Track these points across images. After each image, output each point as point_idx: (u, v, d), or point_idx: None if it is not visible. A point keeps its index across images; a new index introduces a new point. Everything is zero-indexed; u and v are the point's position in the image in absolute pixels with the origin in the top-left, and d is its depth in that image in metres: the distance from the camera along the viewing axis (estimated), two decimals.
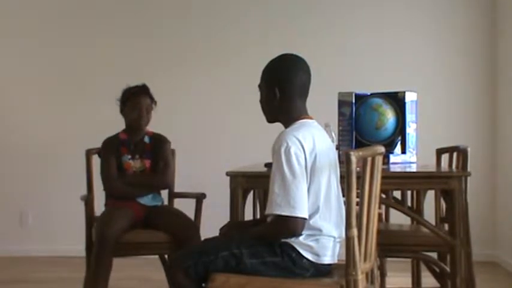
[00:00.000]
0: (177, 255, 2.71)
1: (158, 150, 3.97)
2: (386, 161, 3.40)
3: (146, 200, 3.90)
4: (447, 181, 3.11)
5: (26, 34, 5.99)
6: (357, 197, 2.28)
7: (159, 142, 4.00)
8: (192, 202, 4.04)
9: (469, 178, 3.35)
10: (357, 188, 2.25)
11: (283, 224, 2.40)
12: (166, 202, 4.13)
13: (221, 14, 5.92)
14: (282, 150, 2.40)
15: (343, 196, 2.40)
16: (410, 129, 3.60)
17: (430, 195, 3.90)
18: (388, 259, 4.19)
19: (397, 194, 3.94)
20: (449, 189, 3.12)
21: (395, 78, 5.53)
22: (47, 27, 6.00)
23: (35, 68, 6.00)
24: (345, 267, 2.26)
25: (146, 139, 3.99)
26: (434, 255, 3.65)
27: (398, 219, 4.02)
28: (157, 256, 4.00)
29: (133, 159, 3.92)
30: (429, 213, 3.81)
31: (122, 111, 3.95)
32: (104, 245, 3.55)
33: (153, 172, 3.94)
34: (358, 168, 2.22)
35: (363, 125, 3.54)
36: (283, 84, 2.54)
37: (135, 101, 3.89)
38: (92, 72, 5.94)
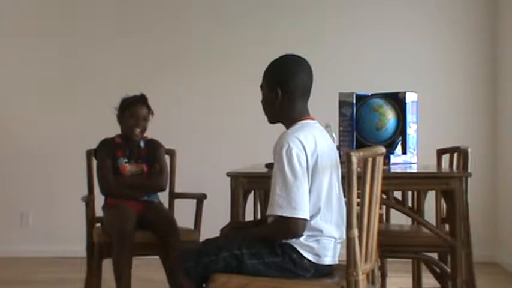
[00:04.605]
0: (177, 255, 2.70)
1: (154, 155, 4.00)
2: (387, 161, 3.40)
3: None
4: (448, 182, 3.11)
5: (26, 34, 5.99)
6: (358, 197, 2.28)
7: (154, 147, 4.03)
8: (192, 202, 4.04)
9: (469, 179, 3.35)
10: (358, 189, 2.25)
11: (284, 225, 2.40)
12: (166, 203, 4.13)
13: (222, 14, 5.92)
14: (284, 151, 2.40)
15: (344, 197, 2.40)
16: (411, 130, 3.60)
17: (431, 195, 3.90)
18: (389, 260, 4.19)
19: (398, 194, 3.93)
20: (450, 190, 3.12)
21: (396, 78, 5.53)
22: (47, 27, 6.00)
23: (35, 68, 5.99)
24: (346, 268, 2.26)
25: (142, 144, 4.02)
26: (435, 255, 3.65)
27: (399, 219, 4.02)
28: (157, 256, 4.00)
29: (130, 163, 3.93)
30: (430, 213, 3.81)
31: (119, 119, 3.97)
32: (124, 242, 3.56)
33: (149, 175, 3.95)
34: (359, 169, 2.22)
35: (363, 126, 3.54)
36: (284, 84, 2.54)
37: (133, 110, 3.92)
38: (92, 72, 5.94)
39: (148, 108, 3.97)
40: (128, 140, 3.97)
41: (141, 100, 3.96)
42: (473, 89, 5.76)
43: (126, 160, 3.93)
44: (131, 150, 3.97)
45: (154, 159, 3.99)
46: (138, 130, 3.93)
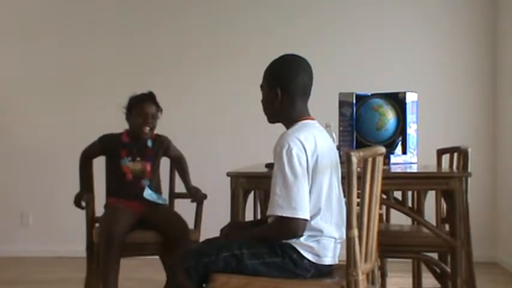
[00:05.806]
0: (177, 255, 2.70)
1: (164, 152, 4.02)
2: (387, 161, 3.41)
3: (150, 197, 3.90)
4: (448, 182, 3.11)
5: (26, 34, 5.99)
6: (358, 197, 2.28)
7: (162, 144, 4.03)
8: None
9: (469, 179, 3.35)
10: (358, 189, 2.25)
11: (284, 225, 2.40)
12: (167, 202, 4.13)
13: (222, 14, 5.92)
14: (284, 151, 2.39)
15: (344, 197, 2.40)
16: (411, 130, 3.60)
17: (431, 195, 3.90)
18: (389, 260, 4.19)
19: (398, 194, 3.94)
20: (450, 190, 3.12)
21: (396, 78, 5.54)
22: (47, 27, 6.00)
23: (35, 68, 6.00)
24: (346, 268, 2.26)
25: (149, 143, 3.99)
26: (435, 255, 3.65)
27: (399, 219, 4.02)
28: (157, 256, 4.00)
29: (134, 161, 3.92)
30: (430, 213, 3.81)
31: (127, 118, 3.95)
32: (111, 245, 3.54)
33: (151, 175, 3.95)
34: (359, 169, 2.22)
35: (363, 126, 3.54)
36: (285, 84, 2.54)
37: (141, 108, 3.89)
38: (92, 72, 5.94)
39: (157, 105, 3.94)
40: (136, 139, 3.95)
41: (149, 98, 3.93)
42: (473, 89, 5.77)
43: (129, 159, 3.92)
44: (138, 148, 3.96)
45: (163, 155, 4.03)
46: (147, 128, 3.89)
